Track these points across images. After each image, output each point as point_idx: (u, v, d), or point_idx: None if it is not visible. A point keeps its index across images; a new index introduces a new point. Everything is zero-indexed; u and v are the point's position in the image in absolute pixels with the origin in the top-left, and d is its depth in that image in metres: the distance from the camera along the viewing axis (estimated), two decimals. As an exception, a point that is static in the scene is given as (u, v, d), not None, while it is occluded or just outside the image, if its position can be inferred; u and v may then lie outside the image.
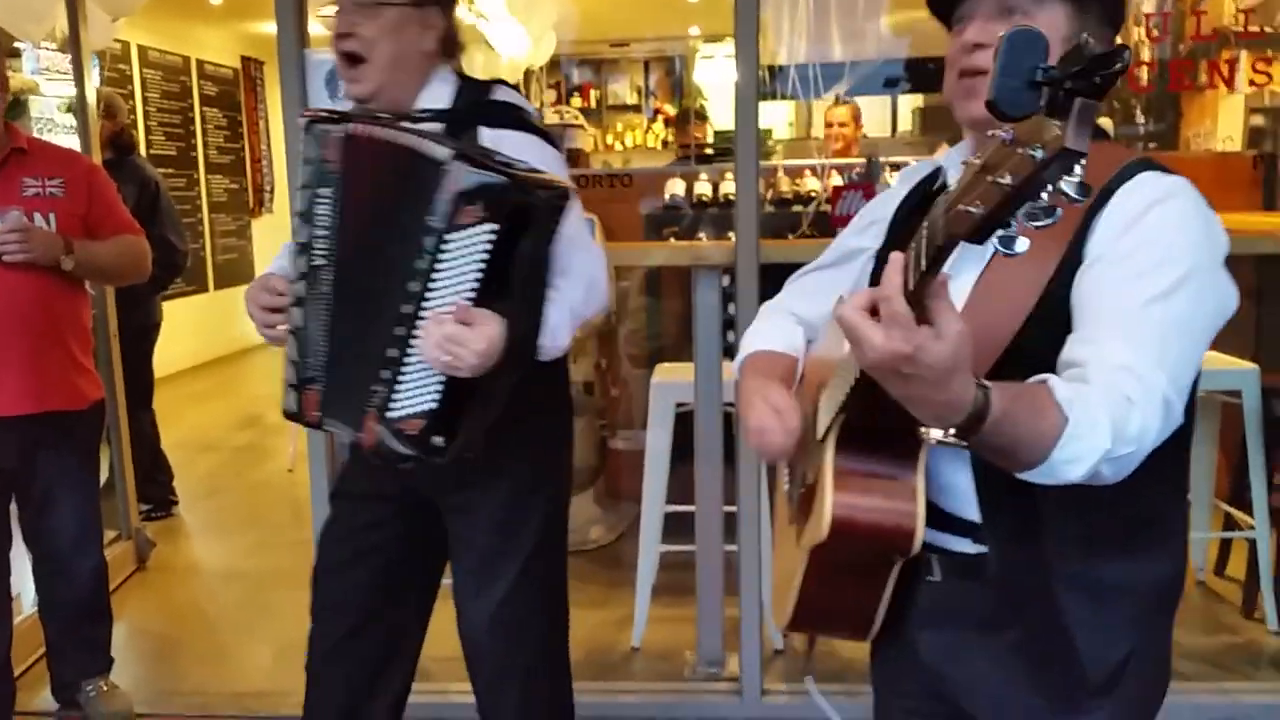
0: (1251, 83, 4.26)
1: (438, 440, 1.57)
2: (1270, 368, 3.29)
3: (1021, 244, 0.81)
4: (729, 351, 2.79)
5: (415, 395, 1.56)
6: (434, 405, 1.56)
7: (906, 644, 1.30)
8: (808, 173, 4.20)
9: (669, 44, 9.87)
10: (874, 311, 0.92)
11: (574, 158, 4.37)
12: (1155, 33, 4.48)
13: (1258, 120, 4.35)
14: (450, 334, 1.50)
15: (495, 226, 1.49)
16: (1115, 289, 1.09)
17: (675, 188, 4.17)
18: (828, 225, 3.09)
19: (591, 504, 4.08)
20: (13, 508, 2.59)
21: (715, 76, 9.44)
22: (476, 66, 7.51)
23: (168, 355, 4.74)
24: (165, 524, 4.28)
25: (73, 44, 3.60)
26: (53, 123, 5.17)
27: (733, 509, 2.83)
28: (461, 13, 6.79)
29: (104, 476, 3.72)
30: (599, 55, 9.89)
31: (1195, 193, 1.15)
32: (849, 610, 1.25)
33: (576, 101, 9.71)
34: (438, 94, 1.73)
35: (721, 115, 9.33)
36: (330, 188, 1.63)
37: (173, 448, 4.47)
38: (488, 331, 1.50)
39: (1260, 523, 3.04)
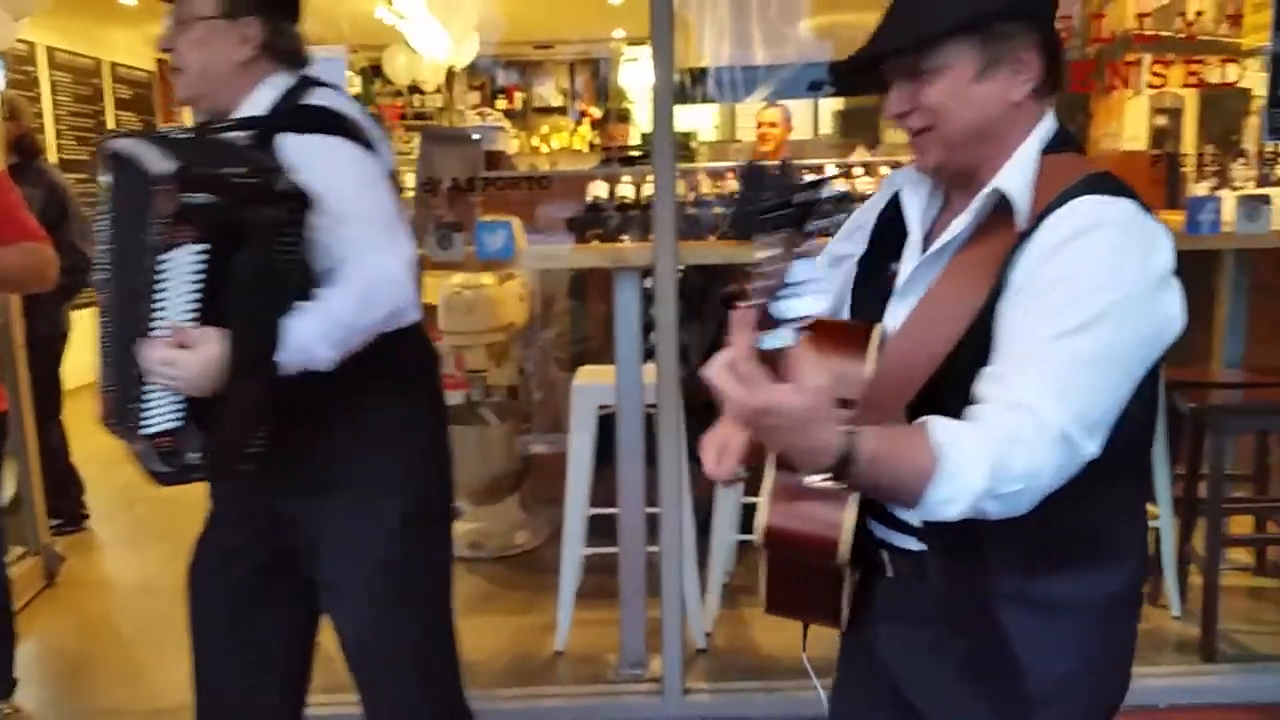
0: (1150, 84, 4.40)
1: (192, 457, 1.57)
2: (1174, 361, 3.40)
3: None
4: (650, 354, 2.80)
5: (161, 413, 1.56)
6: (178, 424, 1.56)
7: (866, 637, 1.36)
8: (729, 175, 4.25)
9: (594, 46, 9.88)
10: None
11: (496, 160, 4.35)
12: (1063, 35, 4.61)
13: (1161, 121, 4.50)
14: (164, 357, 1.50)
15: (206, 245, 1.50)
16: (1028, 323, 1.11)
17: (598, 190, 4.18)
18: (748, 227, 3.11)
19: (516, 509, 4.06)
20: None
21: (640, 79, 9.48)
22: (399, 66, 7.46)
23: (79, 366, 4.60)
24: (77, 538, 4.17)
25: (-30, 45, 3.49)
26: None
27: (655, 510, 2.84)
28: (381, 12, 6.73)
29: (10, 491, 3.64)
30: (524, 57, 9.86)
31: (1132, 218, 1.13)
32: (815, 602, 1.32)
33: (501, 103, 9.67)
34: (260, 101, 1.75)
35: (647, 118, 9.37)
36: (102, 205, 1.66)
37: (85, 461, 4.35)
38: (204, 353, 1.50)
39: (1164, 511, 3.14)
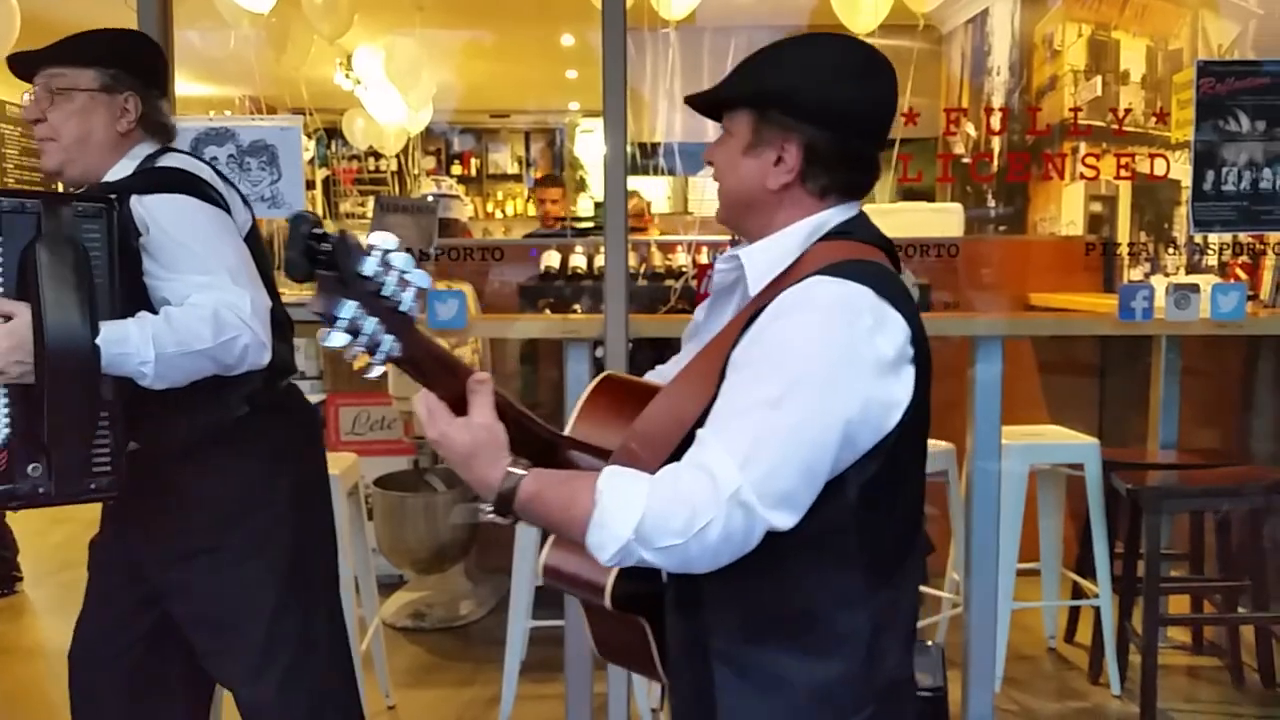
0: (1082, 175, 4.58)
1: (33, 468, 1.59)
2: (1112, 442, 3.49)
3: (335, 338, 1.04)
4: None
5: None
6: (7, 430, 1.59)
7: None
8: (679, 248, 4.31)
9: (549, 116, 10.03)
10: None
11: (448, 227, 4.38)
12: (998, 126, 4.80)
13: (1096, 207, 4.67)
14: None
15: (2, 239, 1.59)
16: (731, 392, 1.16)
17: (550, 259, 4.21)
18: (694, 300, 3.16)
19: (461, 578, 4.02)
20: None
21: (594, 150, 9.63)
22: (357, 130, 7.50)
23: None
24: (8, 602, 4.05)
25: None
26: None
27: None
28: (339, 79, 6.76)
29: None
30: (480, 124, 9.98)
31: (853, 301, 1.15)
32: (633, 651, 1.39)
33: (457, 169, 9.76)
34: (122, 170, 1.85)
35: (600, 187, 9.49)
36: None
37: (18, 519, 4.23)
38: (10, 324, 1.55)
39: (1104, 591, 3.20)
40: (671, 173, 7.17)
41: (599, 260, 4.23)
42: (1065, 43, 4.86)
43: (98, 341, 1.56)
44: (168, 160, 1.85)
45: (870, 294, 1.16)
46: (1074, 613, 3.62)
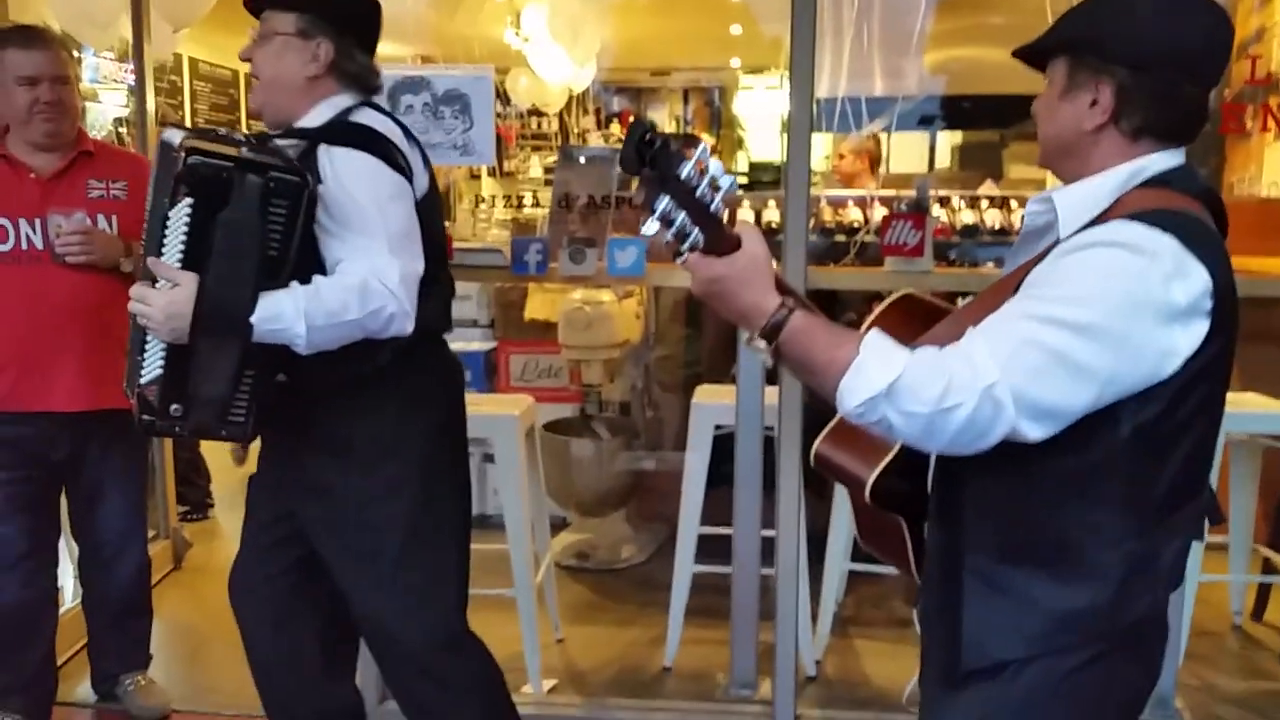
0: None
1: (174, 409, 1.72)
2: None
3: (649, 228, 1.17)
4: (771, 376, 2.80)
5: (150, 364, 1.73)
6: (160, 371, 1.71)
7: None
8: (850, 203, 4.25)
9: (709, 74, 9.94)
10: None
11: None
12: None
13: (1304, 166, 4.34)
14: (137, 293, 1.69)
15: (192, 200, 1.65)
16: (1010, 304, 1.20)
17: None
18: (876, 254, 3.10)
19: (623, 524, 4.09)
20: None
21: (754, 108, 9.52)
22: (520, 89, 7.63)
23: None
24: (201, 526, 4.33)
25: (136, 55, 3.69)
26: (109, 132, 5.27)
27: (768, 534, 2.84)
28: (508, 36, 6.87)
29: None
30: (638, 83, 9.98)
31: (1159, 248, 1.15)
32: (889, 545, 1.50)
33: (615, 128, 9.80)
34: (317, 116, 1.90)
35: (758, 146, 9.39)
36: (151, 186, 1.84)
37: (209, 450, 4.52)
38: (176, 291, 1.66)
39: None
40: (834, 131, 7.04)
41: (766, 215, 4.21)
42: (1276, -9, 4.52)
43: (252, 320, 1.67)
44: (361, 116, 1.89)
45: (1174, 242, 1.16)
46: (1263, 591, 3.42)
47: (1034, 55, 1.36)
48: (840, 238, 3.97)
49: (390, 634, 1.99)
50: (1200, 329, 1.17)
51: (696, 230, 1.16)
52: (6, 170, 2.45)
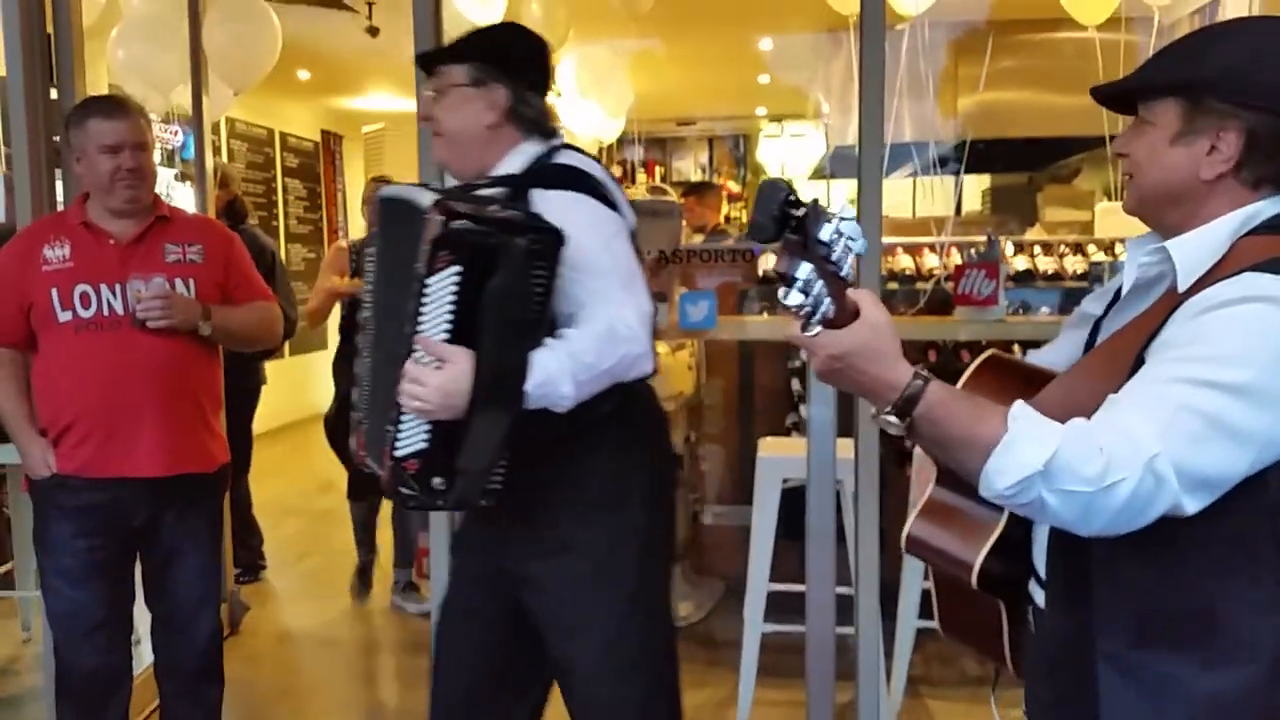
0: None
1: (437, 482, 1.64)
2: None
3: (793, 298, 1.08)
4: (842, 428, 2.78)
5: (411, 435, 1.64)
6: (425, 445, 1.63)
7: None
8: (899, 250, 4.24)
9: (732, 123, 10.04)
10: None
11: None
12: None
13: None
14: (412, 373, 1.58)
15: (460, 269, 1.58)
16: (1156, 366, 1.13)
17: (768, 262, 4.19)
18: (947, 303, 3.09)
19: (680, 580, 4.04)
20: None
21: (778, 154, 9.58)
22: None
23: (261, 414, 4.80)
24: (255, 588, 4.31)
25: (195, 115, 3.73)
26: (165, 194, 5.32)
27: (843, 590, 2.79)
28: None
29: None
30: (662, 133, 10.07)
31: None
32: (979, 631, 1.39)
33: (642, 177, 9.87)
34: (513, 164, 1.87)
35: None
36: (371, 246, 1.81)
37: (258, 511, 4.51)
38: (451, 369, 1.57)
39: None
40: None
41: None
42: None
43: (527, 388, 1.60)
44: (564, 158, 1.86)
45: None
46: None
47: (1126, 95, 1.28)
48: (893, 285, 3.96)
49: (603, 694, 1.89)
50: None
51: (828, 300, 1.07)
52: (87, 237, 2.46)
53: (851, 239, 1.06)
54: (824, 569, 2.84)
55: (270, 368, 7.56)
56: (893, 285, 3.96)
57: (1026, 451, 1.07)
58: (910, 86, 6.43)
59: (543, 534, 1.84)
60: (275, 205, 8.19)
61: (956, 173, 8.64)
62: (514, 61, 1.90)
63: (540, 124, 1.91)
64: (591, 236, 1.72)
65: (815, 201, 1.07)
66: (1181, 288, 1.19)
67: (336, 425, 4.01)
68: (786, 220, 1.07)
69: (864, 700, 2.68)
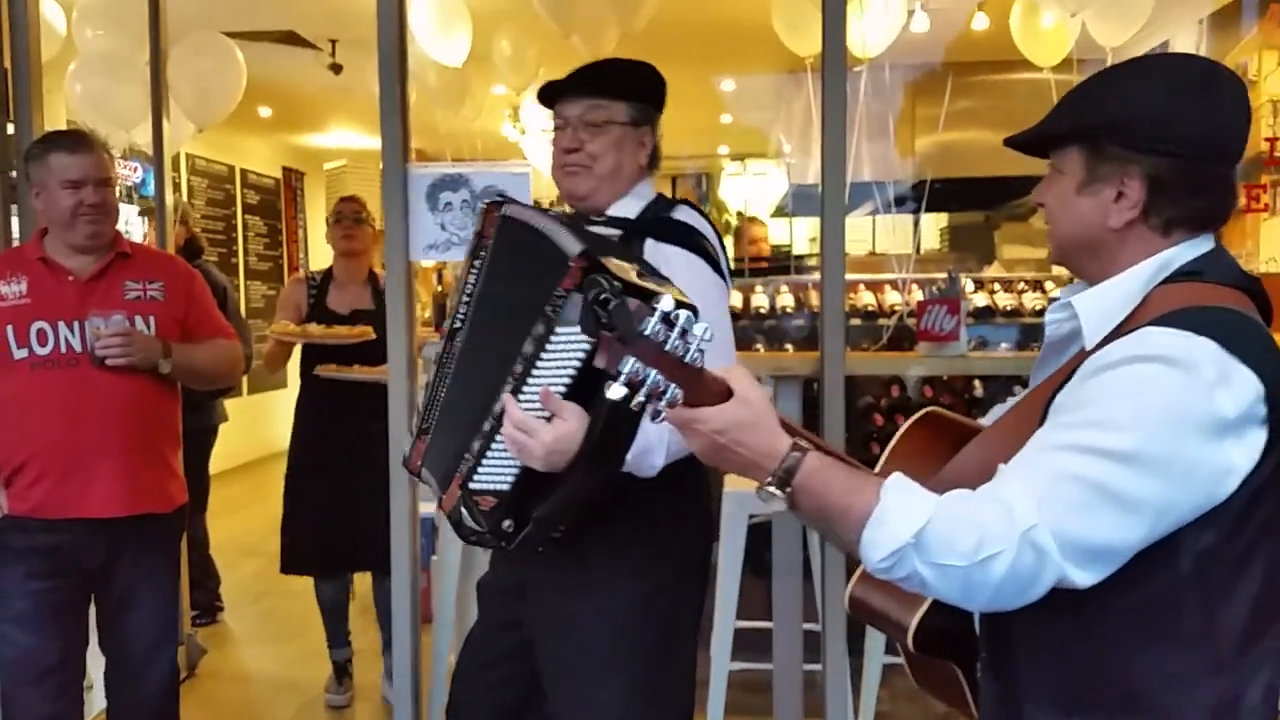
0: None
1: (507, 524, 1.58)
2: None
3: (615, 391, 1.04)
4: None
5: (495, 472, 1.58)
6: (507, 487, 1.57)
7: None
8: (861, 286, 4.29)
9: (695, 161, 10.14)
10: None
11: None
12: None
13: (1304, 243, 4.44)
14: (522, 421, 1.51)
15: None
16: (1045, 432, 1.10)
17: (731, 299, 4.22)
18: (910, 338, 3.12)
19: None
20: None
21: (740, 192, 9.69)
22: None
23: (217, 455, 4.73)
24: (212, 630, 4.22)
25: (155, 151, 3.71)
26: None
27: (813, 627, 2.79)
28: (505, 129, 6.95)
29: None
30: (626, 171, 10.14)
31: (1199, 357, 1.05)
32: (943, 680, 1.36)
33: (604, 215, 9.91)
34: (629, 206, 1.86)
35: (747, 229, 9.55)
36: (479, 259, 1.71)
37: (215, 551, 4.43)
38: (564, 426, 1.50)
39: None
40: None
41: (780, 300, 4.23)
42: (1262, 72, 4.67)
43: (627, 456, 1.55)
44: (683, 215, 1.84)
45: (1213, 346, 1.05)
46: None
47: (1036, 142, 1.24)
48: (855, 321, 4.01)
49: None
50: (1257, 440, 1.06)
51: (673, 386, 1.04)
52: (45, 273, 2.42)
53: (687, 329, 1.04)
54: (790, 605, 2.85)
55: (229, 406, 7.50)
56: (856, 321, 3.99)
57: (897, 524, 1.04)
58: (869, 127, 6.56)
59: (572, 580, 1.79)
60: (235, 242, 8.13)
61: (915, 211, 8.82)
62: (660, 101, 1.93)
63: (656, 163, 1.93)
64: (708, 306, 1.64)
65: (623, 298, 1.06)
66: (1089, 345, 1.16)
67: (297, 488, 3.80)
68: (597, 316, 1.07)
69: (832, 737, 2.67)
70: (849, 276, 4.35)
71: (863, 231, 7.59)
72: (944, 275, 2.91)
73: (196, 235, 4.26)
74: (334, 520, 3.34)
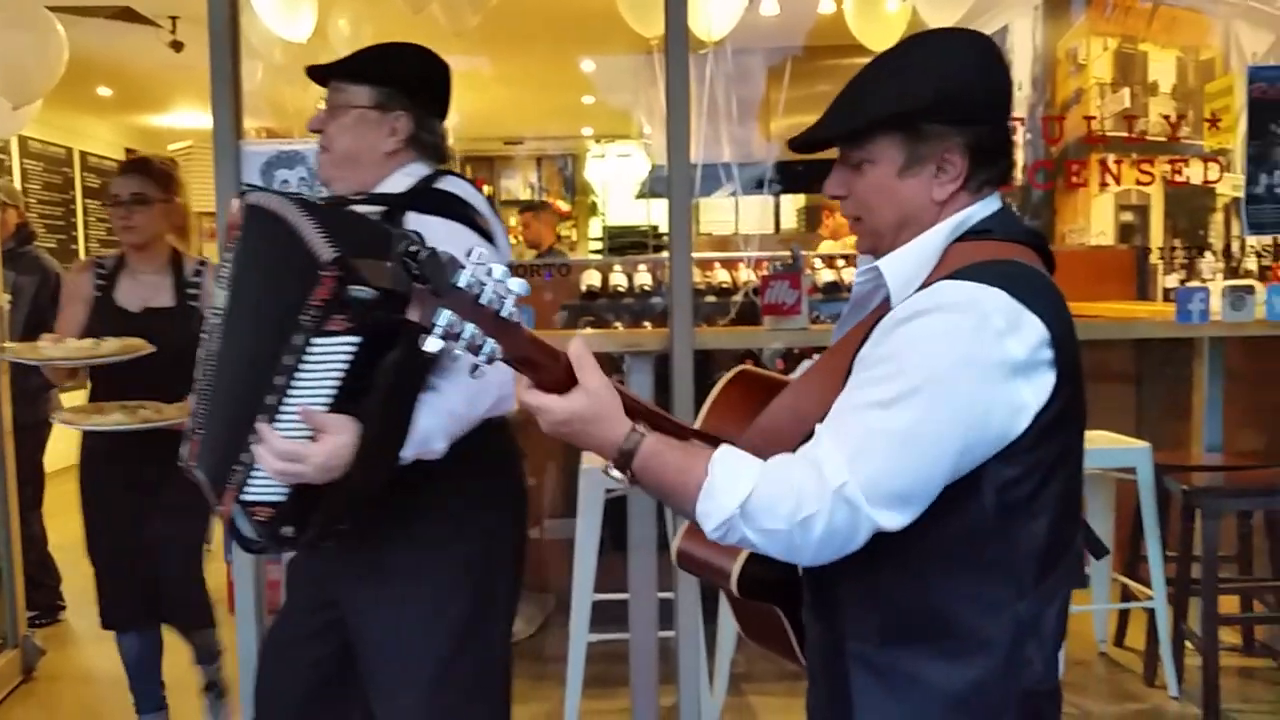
0: (1103, 184, 4.63)
1: (286, 530, 1.54)
2: (1157, 446, 3.52)
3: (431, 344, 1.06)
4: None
5: (268, 485, 1.51)
6: (283, 499, 1.51)
7: None
8: (717, 265, 4.38)
9: (560, 143, 10.12)
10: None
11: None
12: (1029, 136, 4.87)
13: (1127, 217, 4.72)
14: (289, 451, 1.45)
15: (359, 339, 1.46)
16: (848, 392, 1.17)
17: (591, 279, 4.25)
18: (755, 313, 3.20)
19: (509, 597, 4.01)
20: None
21: (605, 173, 9.72)
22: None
23: (56, 451, 4.51)
24: (53, 631, 4.03)
25: (-26, 131, 3.50)
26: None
27: (667, 595, 2.84)
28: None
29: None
30: (490, 152, 10.06)
31: (986, 304, 1.12)
32: (770, 631, 1.43)
33: (471, 196, 9.80)
34: (395, 185, 1.81)
35: (614, 211, 9.59)
36: (232, 251, 1.62)
37: (57, 549, 4.23)
38: (333, 441, 1.46)
39: (1158, 593, 3.22)
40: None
41: (638, 279, 4.28)
42: (1090, 56, 4.93)
43: (404, 454, 1.54)
44: (446, 184, 1.80)
45: (1003, 296, 1.13)
46: (1123, 616, 3.63)
47: (846, 138, 1.25)
48: (711, 297, 4.08)
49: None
50: (1046, 381, 1.14)
51: (490, 340, 1.06)
52: None
53: (501, 280, 1.06)
54: (645, 576, 2.89)
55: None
56: (710, 298, 4.07)
57: (724, 496, 1.12)
58: (733, 110, 6.67)
59: (376, 563, 1.76)
60: (74, 228, 7.72)
61: (776, 193, 9.01)
62: (420, 86, 1.85)
63: (438, 150, 1.87)
64: None
65: (434, 251, 1.06)
66: (895, 304, 1.21)
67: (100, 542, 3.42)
68: (408, 269, 1.09)
69: (685, 702, 2.74)
70: (704, 255, 4.47)
71: (726, 212, 7.72)
72: (788, 252, 2.99)
73: (27, 221, 4.04)
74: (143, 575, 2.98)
